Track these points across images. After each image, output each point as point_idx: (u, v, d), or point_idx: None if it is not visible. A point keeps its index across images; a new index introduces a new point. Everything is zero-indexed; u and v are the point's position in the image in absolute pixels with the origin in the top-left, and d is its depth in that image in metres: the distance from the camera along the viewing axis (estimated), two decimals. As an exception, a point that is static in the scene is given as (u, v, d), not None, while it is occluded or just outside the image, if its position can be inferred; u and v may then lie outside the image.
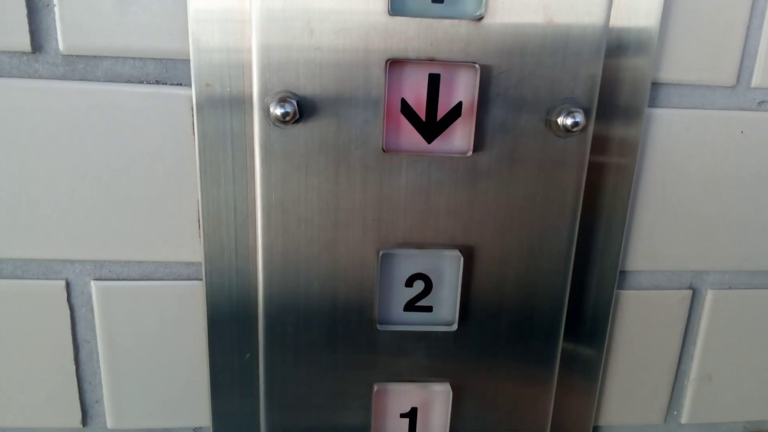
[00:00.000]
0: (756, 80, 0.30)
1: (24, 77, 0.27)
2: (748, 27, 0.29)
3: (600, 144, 0.29)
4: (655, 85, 0.29)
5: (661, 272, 0.33)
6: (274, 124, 0.26)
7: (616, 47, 0.28)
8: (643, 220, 0.32)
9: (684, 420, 0.36)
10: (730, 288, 0.34)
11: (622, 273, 0.32)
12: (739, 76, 0.30)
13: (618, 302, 0.33)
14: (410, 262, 0.29)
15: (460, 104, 0.26)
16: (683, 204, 0.32)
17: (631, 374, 0.34)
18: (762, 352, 0.35)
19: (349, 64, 0.25)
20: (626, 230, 0.31)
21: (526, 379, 0.31)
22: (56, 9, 0.26)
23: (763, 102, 0.30)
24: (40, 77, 0.27)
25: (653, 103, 0.30)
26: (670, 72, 0.29)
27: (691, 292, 0.33)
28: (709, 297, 0.33)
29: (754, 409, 0.36)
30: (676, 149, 0.31)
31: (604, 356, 0.33)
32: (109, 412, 0.32)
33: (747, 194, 0.32)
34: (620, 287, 0.33)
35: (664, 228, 0.32)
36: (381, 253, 0.28)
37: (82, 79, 0.27)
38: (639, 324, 0.33)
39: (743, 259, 0.33)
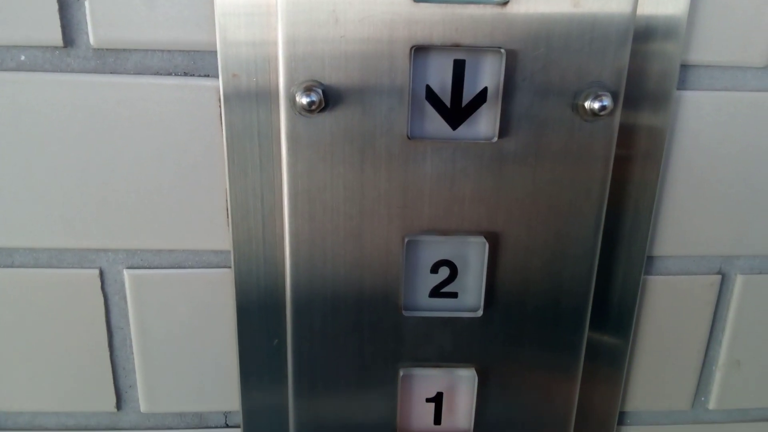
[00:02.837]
0: (789, 60, 0.29)
1: (57, 71, 0.27)
2: (781, 5, 0.28)
3: (628, 128, 0.29)
4: (685, 67, 0.29)
5: (689, 257, 0.32)
6: (300, 113, 0.26)
7: (645, 30, 0.27)
8: (672, 204, 0.31)
9: (712, 406, 0.36)
10: (761, 273, 0.33)
11: (650, 258, 0.32)
12: (771, 57, 0.29)
13: (645, 288, 0.33)
14: (435, 248, 0.29)
15: (485, 90, 0.26)
16: (713, 188, 0.31)
17: (658, 360, 0.34)
18: (793, 338, 0.34)
19: (373, 52, 0.25)
20: (654, 215, 0.31)
21: (552, 365, 0.31)
22: (86, 3, 0.26)
23: (796, 83, 0.30)
24: (72, 71, 0.27)
25: (682, 85, 0.29)
26: (700, 54, 0.29)
27: (720, 277, 0.33)
28: (738, 282, 0.33)
29: (784, 395, 0.36)
30: (706, 132, 0.30)
31: (630, 342, 0.33)
32: (142, 397, 0.33)
33: (779, 177, 0.31)
34: (648, 273, 0.32)
35: (693, 213, 0.31)
36: (406, 240, 0.28)
37: (113, 72, 0.28)
38: (667, 309, 0.33)
39: (774, 244, 0.32)
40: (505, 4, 0.25)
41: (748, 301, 0.33)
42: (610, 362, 0.33)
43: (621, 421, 0.36)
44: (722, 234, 0.32)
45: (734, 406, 0.36)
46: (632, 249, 0.31)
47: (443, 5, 0.25)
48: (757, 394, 0.36)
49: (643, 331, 0.34)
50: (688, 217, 0.32)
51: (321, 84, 0.26)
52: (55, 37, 0.27)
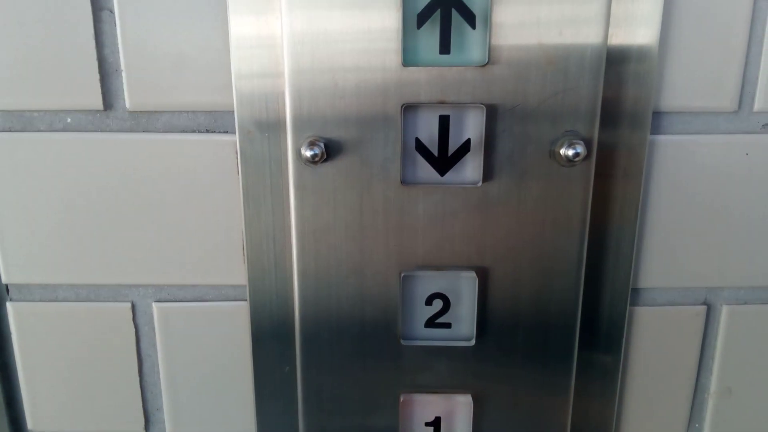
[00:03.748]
0: (758, 105, 0.31)
1: (98, 131, 0.32)
2: (747, 53, 0.31)
3: (606, 168, 0.31)
4: (657, 113, 0.31)
5: (674, 289, 0.34)
6: (305, 164, 0.29)
7: (616, 78, 0.30)
8: (654, 239, 0.33)
9: (706, 433, 0.37)
10: (746, 303, 0.34)
11: (636, 290, 0.34)
12: (741, 102, 0.31)
13: (632, 318, 0.34)
14: (429, 282, 0.32)
15: (468, 141, 0.29)
16: (694, 223, 0.33)
17: (649, 388, 0.36)
18: (785, 367, 0.35)
19: (369, 109, 0.29)
20: (636, 249, 0.33)
21: (544, 392, 0.33)
22: (123, 74, 0.31)
23: (766, 125, 0.32)
24: (111, 131, 0.32)
25: (657, 130, 0.32)
26: (672, 101, 0.31)
27: (705, 308, 0.34)
28: (724, 312, 0.34)
29: (780, 423, 0.37)
30: (682, 172, 0.32)
31: (620, 371, 0.35)
32: (168, 419, 0.37)
33: (757, 212, 0.33)
34: (634, 304, 0.34)
35: (676, 246, 0.33)
36: (402, 275, 0.31)
37: (145, 130, 0.32)
38: (655, 339, 0.35)
39: (757, 275, 0.34)
40: (484, 65, 0.28)
41: (735, 331, 0.35)
42: (602, 389, 0.35)
43: (618, 448, 0.37)
44: (706, 266, 0.34)
45: (728, 433, 0.37)
46: (617, 281, 0.33)
47: (429, 68, 0.28)
48: (750, 422, 0.36)
49: (633, 360, 0.35)
50: (672, 251, 0.33)
51: (323, 138, 0.29)
52: (97, 102, 0.31)
